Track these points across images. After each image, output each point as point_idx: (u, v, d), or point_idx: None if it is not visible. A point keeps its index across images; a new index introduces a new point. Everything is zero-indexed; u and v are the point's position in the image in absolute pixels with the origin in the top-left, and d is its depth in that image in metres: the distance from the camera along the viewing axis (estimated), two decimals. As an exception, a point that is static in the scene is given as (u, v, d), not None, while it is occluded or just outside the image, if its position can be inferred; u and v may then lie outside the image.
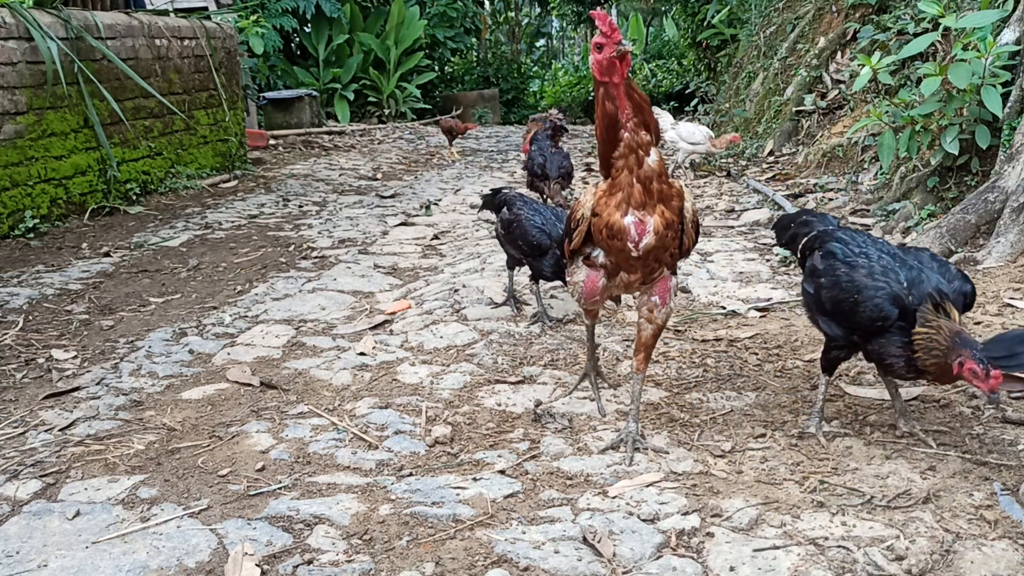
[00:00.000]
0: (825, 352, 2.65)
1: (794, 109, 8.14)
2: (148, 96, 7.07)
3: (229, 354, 3.58)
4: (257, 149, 10.02)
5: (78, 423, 2.91)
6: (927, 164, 5.18)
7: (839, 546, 2.04)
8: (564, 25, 24.98)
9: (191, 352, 3.61)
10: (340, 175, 8.82)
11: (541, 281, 3.82)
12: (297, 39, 14.35)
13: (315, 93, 12.75)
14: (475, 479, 2.45)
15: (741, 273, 4.48)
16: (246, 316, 4.09)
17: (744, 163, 8.16)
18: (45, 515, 2.30)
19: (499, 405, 2.98)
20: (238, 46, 8.93)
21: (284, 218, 6.51)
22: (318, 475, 2.52)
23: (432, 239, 5.76)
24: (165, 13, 8.17)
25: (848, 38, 7.92)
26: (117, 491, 2.43)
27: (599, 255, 2.47)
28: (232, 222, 6.33)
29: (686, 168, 7.69)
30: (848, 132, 6.47)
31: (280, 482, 2.47)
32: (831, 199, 6.00)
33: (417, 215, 6.65)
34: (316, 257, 5.25)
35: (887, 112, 5.24)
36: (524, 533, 2.16)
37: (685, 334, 3.64)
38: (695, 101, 12.73)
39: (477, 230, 5.99)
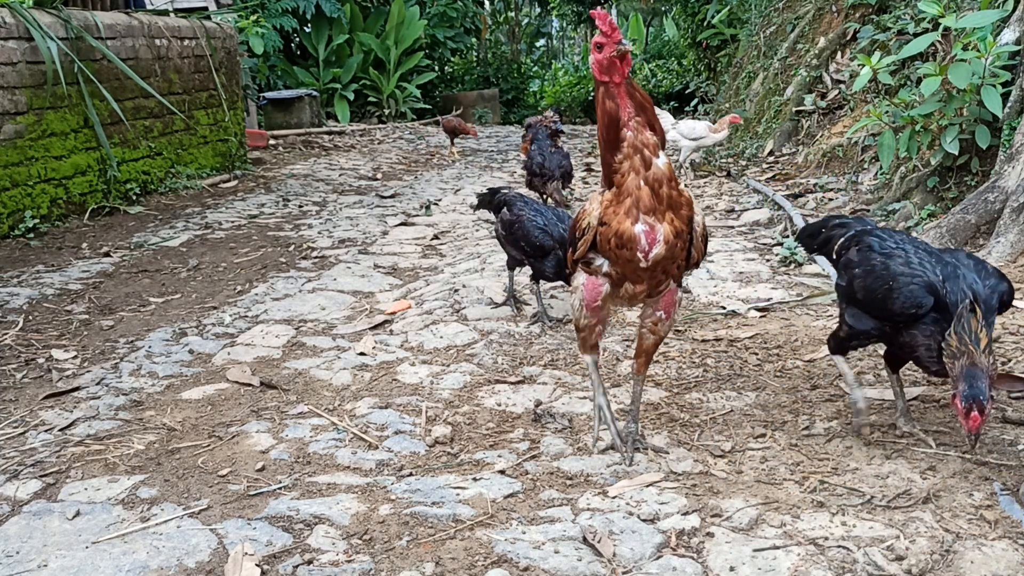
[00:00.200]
0: (838, 338, 2.62)
1: (794, 109, 8.14)
2: (148, 96, 7.07)
3: (229, 354, 3.58)
4: (257, 149, 10.02)
5: (78, 423, 2.91)
6: (927, 164, 5.18)
7: (839, 546, 2.04)
8: (564, 25, 24.98)
9: (191, 352, 3.61)
10: (340, 175, 8.82)
11: (541, 281, 3.82)
12: (297, 39, 14.35)
13: (315, 93, 12.75)
14: (475, 479, 2.45)
15: (741, 273, 4.47)
16: (246, 316, 4.09)
17: (744, 163, 8.16)
18: (45, 515, 2.30)
19: (499, 405, 2.98)
20: (238, 46, 8.93)
21: (284, 218, 6.51)
22: (318, 475, 2.52)
23: (432, 239, 5.76)
24: (165, 13, 8.17)
25: (848, 38, 7.92)
26: (117, 491, 2.43)
27: (603, 264, 2.36)
28: (232, 222, 6.33)
29: (687, 168, 7.69)
30: (848, 132, 6.47)
31: (280, 482, 2.47)
32: (831, 199, 6.00)
33: (417, 215, 6.65)
34: (316, 257, 5.25)
35: (887, 112, 5.24)
36: (524, 533, 2.16)
37: (685, 334, 3.64)
38: (695, 101, 12.74)
39: (477, 230, 5.99)
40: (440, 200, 7.30)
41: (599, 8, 2.36)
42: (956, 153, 4.74)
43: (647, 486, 2.37)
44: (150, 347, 3.65)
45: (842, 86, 7.70)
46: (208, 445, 2.74)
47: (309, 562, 2.06)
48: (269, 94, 12.19)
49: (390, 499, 2.35)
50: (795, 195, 6.30)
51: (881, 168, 5.66)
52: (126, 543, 2.17)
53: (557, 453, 2.61)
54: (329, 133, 12.13)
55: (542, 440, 2.69)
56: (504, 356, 3.45)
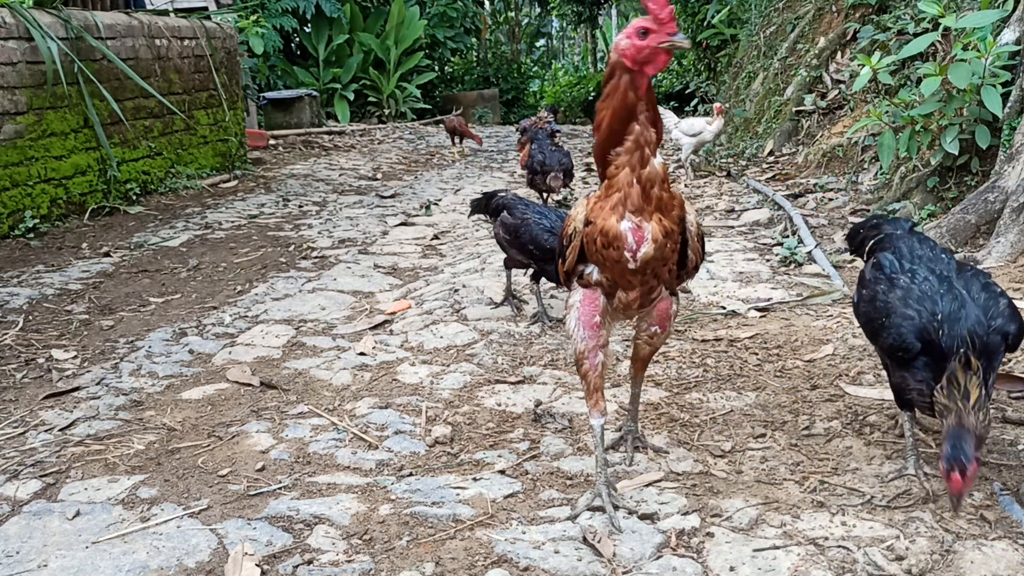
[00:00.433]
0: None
1: (794, 109, 8.14)
2: (148, 96, 7.07)
3: (229, 354, 3.58)
4: (257, 149, 10.03)
5: (78, 423, 2.91)
6: (927, 164, 5.18)
7: (839, 546, 2.04)
8: (564, 25, 24.98)
9: (191, 352, 3.61)
10: (340, 175, 8.82)
11: (542, 280, 3.81)
12: (297, 39, 14.36)
13: (315, 93, 12.75)
14: (475, 479, 2.45)
15: (741, 273, 4.47)
16: (246, 316, 4.09)
17: (744, 163, 8.16)
18: (45, 515, 2.30)
19: (499, 405, 2.98)
20: (238, 46, 8.93)
21: (284, 218, 6.51)
22: (318, 475, 2.52)
23: (432, 239, 5.76)
24: (165, 13, 8.17)
25: (848, 38, 7.92)
26: (117, 491, 2.43)
27: (593, 272, 2.24)
28: (232, 222, 6.33)
29: (687, 168, 7.70)
30: (848, 132, 6.47)
31: (280, 482, 2.47)
32: (831, 199, 6.00)
33: (417, 215, 6.65)
34: (316, 257, 5.25)
35: (887, 112, 5.24)
36: (524, 533, 2.16)
37: (685, 334, 3.64)
38: (695, 101, 12.73)
39: (477, 230, 5.99)
40: (440, 200, 7.30)
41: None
42: (956, 153, 4.74)
43: (647, 486, 2.37)
44: (150, 347, 3.65)
45: (842, 86, 7.70)
46: (208, 445, 2.74)
47: (309, 562, 2.06)
48: (269, 94, 12.20)
49: (390, 499, 2.35)
50: (795, 195, 6.29)
51: (881, 168, 5.66)
52: (126, 543, 2.17)
53: (557, 453, 2.61)
54: (329, 133, 12.14)
55: (542, 440, 2.69)
56: (504, 356, 3.45)
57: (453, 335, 3.70)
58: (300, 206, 7.01)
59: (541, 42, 24.75)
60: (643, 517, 2.21)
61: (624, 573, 1.99)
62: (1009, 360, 3.06)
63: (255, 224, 6.27)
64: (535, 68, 22.46)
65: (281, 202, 7.17)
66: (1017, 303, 3.55)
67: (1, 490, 2.45)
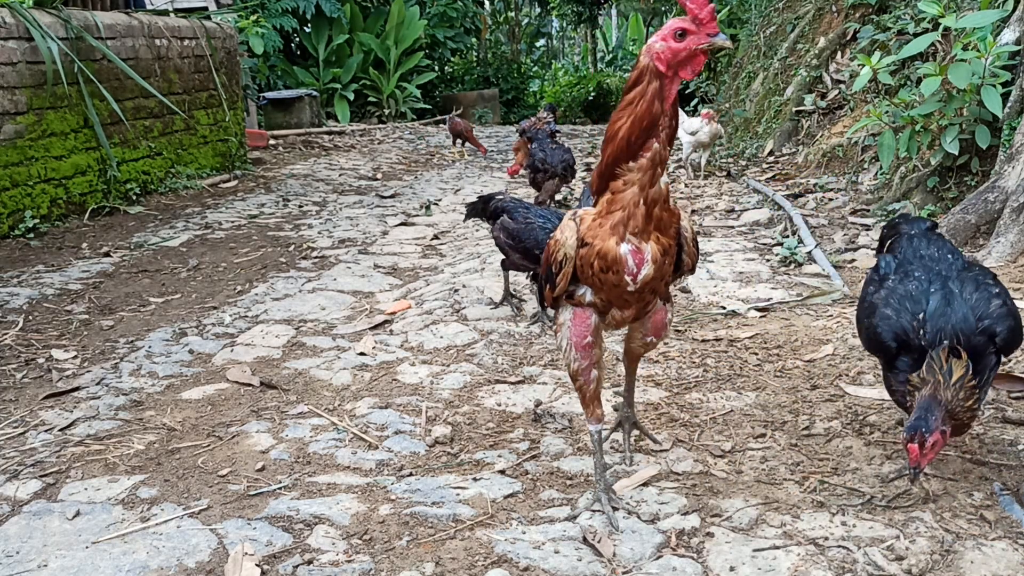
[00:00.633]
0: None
1: (794, 109, 8.14)
2: (148, 96, 7.07)
3: (229, 354, 3.58)
4: (257, 149, 10.02)
5: (78, 423, 2.91)
6: (927, 164, 5.18)
7: (839, 546, 2.04)
8: (564, 25, 24.98)
9: (191, 352, 3.61)
10: (340, 175, 8.82)
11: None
12: (297, 39, 14.35)
13: (315, 93, 12.75)
14: (475, 479, 2.45)
15: (741, 273, 4.47)
16: (246, 316, 4.09)
17: (744, 163, 8.17)
18: (45, 515, 2.30)
19: (499, 405, 2.98)
20: (238, 46, 8.93)
21: (284, 218, 6.51)
22: (318, 475, 2.52)
23: (432, 239, 5.76)
24: (165, 13, 8.17)
25: (848, 38, 7.92)
26: (117, 491, 2.43)
27: (586, 293, 2.14)
28: (232, 222, 6.33)
29: (687, 168, 7.70)
30: (848, 132, 6.47)
31: (280, 482, 2.47)
32: (831, 199, 6.01)
33: (417, 215, 6.65)
34: (316, 257, 5.25)
35: (887, 112, 5.24)
36: (524, 533, 2.16)
37: (685, 334, 3.64)
38: (695, 101, 12.72)
39: (477, 230, 5.99)
40: (440, 200, 7.30)
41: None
42: (956, 153, 4.74)
43: (647, 486, 2.37)
44: (150, 347, 3.65)
45: (842, 86, 7.70)
46: (208, 445, 2.74)
47: (309, 562, 2.06)
48: (269, 94, 12.20)
49: (390, 499, 2.35)
50: (795, 195, 6.30)
51: (881, 168, 5.66)
52: (126, 543, 2.17)
53: (557, 453, 2.61)
54: (329, 133, 12.13)
55: (542, 440, 2.69)
56: (504, 356, 3.45)
57: (453, 335, 3.70)
58: (300, 206, 7.01)
59: (541, 42, 24.74)
60: (643, 517, 2.21)
61: (624, 573, 1.99)
62: (1009, 360, 3.06)
63: (255, 224, 6.27)
64: (535, 68, 22.45)
65: (281, 202, 7.17)
66: (1017, 303, 3.55)
67: (1, 490, 2.45)
